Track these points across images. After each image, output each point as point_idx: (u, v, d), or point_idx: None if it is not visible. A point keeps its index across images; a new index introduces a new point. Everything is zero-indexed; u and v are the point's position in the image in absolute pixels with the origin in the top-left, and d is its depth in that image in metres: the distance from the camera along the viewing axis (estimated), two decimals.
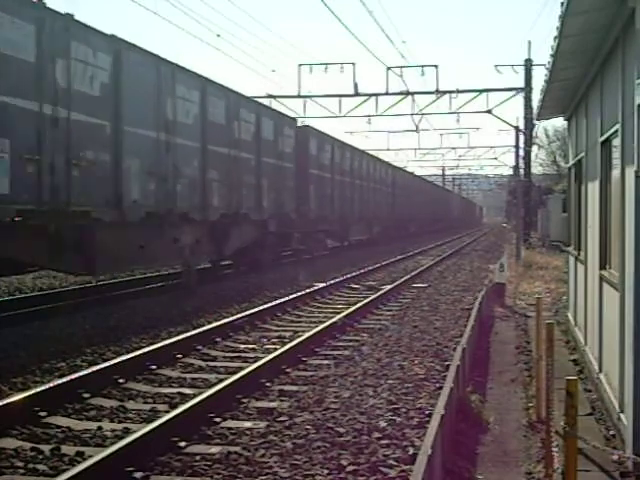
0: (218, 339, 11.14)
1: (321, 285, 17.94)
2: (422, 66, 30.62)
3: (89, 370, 8.34)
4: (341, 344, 11.02)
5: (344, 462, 5.67)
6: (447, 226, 75.15)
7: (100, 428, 6.65)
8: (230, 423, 6.90)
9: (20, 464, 5.74)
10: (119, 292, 16.29)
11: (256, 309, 13.57)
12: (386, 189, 42.40)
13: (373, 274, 22.71)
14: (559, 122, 61.10)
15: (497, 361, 10.68)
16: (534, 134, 35.58)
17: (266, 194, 21.60)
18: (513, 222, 42.21)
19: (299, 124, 26.96)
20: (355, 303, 14.95)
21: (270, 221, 22.01)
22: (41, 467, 5.70)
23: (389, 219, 42.63)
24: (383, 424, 6.60)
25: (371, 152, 41.79)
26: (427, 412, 6.84)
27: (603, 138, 7.80)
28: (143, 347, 9.99)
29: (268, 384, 8.39)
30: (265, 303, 14.61)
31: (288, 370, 9.13)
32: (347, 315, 12.98)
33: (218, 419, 6.93)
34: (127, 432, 6.45)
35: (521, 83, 31.54)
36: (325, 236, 30.37)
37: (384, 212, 41.17)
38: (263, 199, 21.33)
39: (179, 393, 7.98)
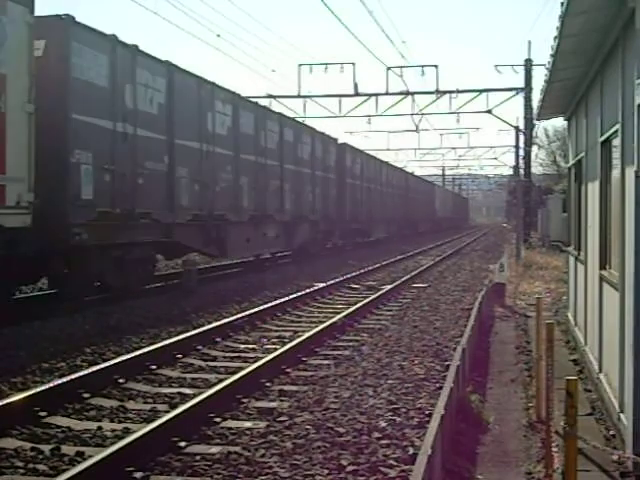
0: (218, 339, 11.13)
1: (321, 285, 17.95)
2: (422, 66, 30.72)
3: (89, 370, 8.34)
4: (341, 344, 11.02)
5: (344, 462, 5.67)
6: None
7: (100, 428, 6.65)
8: (230, 423, 6.90)
9: (20, 464, 5.74)
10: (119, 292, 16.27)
11: (256, 309, 13.57)
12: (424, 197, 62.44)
13: (373, 274, 22.72)
14: (559, 122, 61.20)
15: (497, 361, 10.68)
16: (534, 134, 35.63)
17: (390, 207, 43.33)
18: (513, 222, 42.20)
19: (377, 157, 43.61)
20: (355, 303, 14.95)
21: (397, 218, 45.69)
22: (41, 467, 5.70)
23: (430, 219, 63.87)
24: (383, 424, 6.60)
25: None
26: (427, 412, 6.84)
27: (603, 138, 7.80)
28: (143, 347, 9.99)
29: (268, 384, 8.38)
30: (265, 303, 14.61)
31: (288, 370, 9.12)
32: (347, 315, 12.99)
33: (218, 419, 6.93)
34: (127, 432, 6.45)
35: (521, 83, 31.58)
36: (409, 226, 50.94)
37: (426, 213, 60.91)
38: (387, 210, 41.93)
39: (179, 393, 7.97)
